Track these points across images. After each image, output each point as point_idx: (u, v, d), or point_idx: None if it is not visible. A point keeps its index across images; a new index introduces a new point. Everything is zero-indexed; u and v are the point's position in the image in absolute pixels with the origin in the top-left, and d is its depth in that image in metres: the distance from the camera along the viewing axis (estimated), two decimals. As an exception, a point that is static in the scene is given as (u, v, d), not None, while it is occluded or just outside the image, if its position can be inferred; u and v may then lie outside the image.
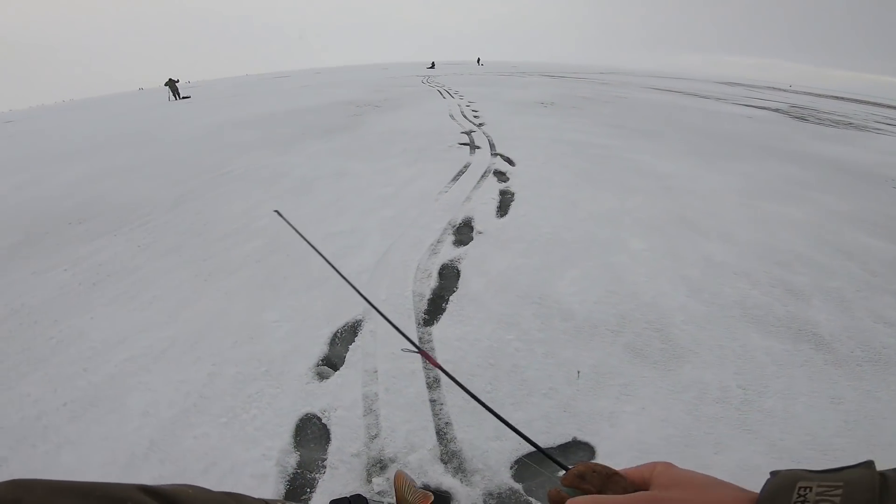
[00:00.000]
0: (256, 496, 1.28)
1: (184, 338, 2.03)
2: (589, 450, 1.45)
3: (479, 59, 42.57)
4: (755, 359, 1.85)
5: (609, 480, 0.42)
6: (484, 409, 0.81)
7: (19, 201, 4.29)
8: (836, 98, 23.46)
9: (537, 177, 4.11)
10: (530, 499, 1.29)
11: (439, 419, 1.55)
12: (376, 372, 1.77)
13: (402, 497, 0.85)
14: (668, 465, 0.39)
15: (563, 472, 0.46)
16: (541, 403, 1.61)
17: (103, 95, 35.40)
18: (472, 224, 3.09)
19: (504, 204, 3.48)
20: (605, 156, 5.01)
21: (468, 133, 6.19)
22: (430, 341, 1.95)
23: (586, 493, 0.41)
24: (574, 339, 1.95)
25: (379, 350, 1.89)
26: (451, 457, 1.42)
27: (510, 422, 0.76)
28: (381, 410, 1.59)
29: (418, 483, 1.32)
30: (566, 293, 2.27)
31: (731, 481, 0.35)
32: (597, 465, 0.44)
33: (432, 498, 1.07)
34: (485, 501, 1.29)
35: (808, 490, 0.29)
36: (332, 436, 1.51)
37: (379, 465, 1.39)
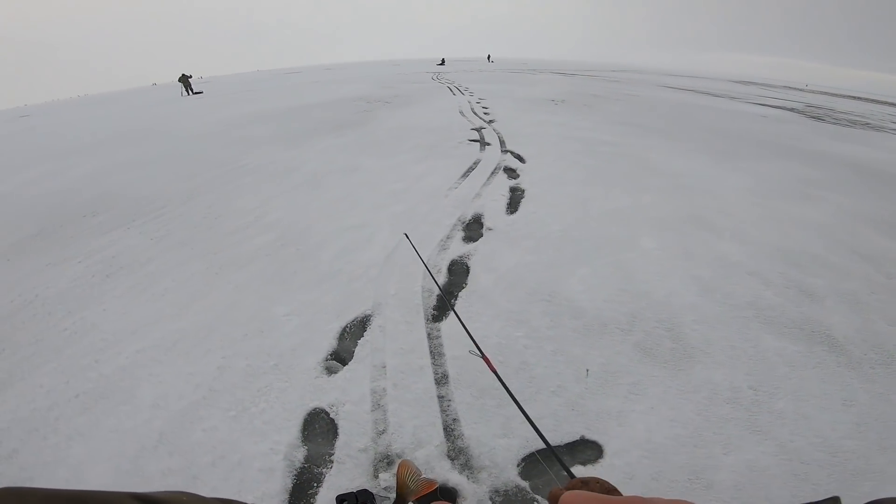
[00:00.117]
0: (261, 492, 1.29)
1: (194, 330, 2.05)
2: (597, 448, 1.44)
3: (489, 56, 42.33)
4: (767, 360, 1.82)
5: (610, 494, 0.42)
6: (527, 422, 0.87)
7: (35, 194, 4.36)
8: (854, 98, 22.97)
9: (548, 174, 4.07)
10: (536, 497, 1.29)
11: (447, 415, 1.55)
12: (385, 367, 1.77)
13: (404, 483, 0.84)
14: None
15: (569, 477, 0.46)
16: (549, 401, 1.61)
17: (118, 91, 35.86)
18: (482, 220, 3.08)
19: (514, 201, 3.46)
20: (616, 153, 4.96)
21: (478, 130, 6.17)
22: (438, 337, 1.95)
23: None
24: (583, 337, 1.93)
25: (388, 345, 1.89)
26: (458, 453, 1.42)
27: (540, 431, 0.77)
28: (389, 406, 1.59)
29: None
30: (576, 291, 2.25)
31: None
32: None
33: (437, 485, 1.06)
34: (491, 498, 1.29)
35: None
36: (339, 430, 1.51)
37: (386, 460, 1.40)
